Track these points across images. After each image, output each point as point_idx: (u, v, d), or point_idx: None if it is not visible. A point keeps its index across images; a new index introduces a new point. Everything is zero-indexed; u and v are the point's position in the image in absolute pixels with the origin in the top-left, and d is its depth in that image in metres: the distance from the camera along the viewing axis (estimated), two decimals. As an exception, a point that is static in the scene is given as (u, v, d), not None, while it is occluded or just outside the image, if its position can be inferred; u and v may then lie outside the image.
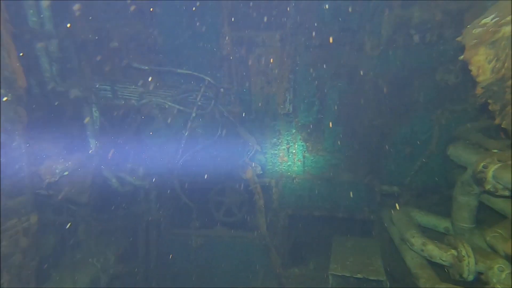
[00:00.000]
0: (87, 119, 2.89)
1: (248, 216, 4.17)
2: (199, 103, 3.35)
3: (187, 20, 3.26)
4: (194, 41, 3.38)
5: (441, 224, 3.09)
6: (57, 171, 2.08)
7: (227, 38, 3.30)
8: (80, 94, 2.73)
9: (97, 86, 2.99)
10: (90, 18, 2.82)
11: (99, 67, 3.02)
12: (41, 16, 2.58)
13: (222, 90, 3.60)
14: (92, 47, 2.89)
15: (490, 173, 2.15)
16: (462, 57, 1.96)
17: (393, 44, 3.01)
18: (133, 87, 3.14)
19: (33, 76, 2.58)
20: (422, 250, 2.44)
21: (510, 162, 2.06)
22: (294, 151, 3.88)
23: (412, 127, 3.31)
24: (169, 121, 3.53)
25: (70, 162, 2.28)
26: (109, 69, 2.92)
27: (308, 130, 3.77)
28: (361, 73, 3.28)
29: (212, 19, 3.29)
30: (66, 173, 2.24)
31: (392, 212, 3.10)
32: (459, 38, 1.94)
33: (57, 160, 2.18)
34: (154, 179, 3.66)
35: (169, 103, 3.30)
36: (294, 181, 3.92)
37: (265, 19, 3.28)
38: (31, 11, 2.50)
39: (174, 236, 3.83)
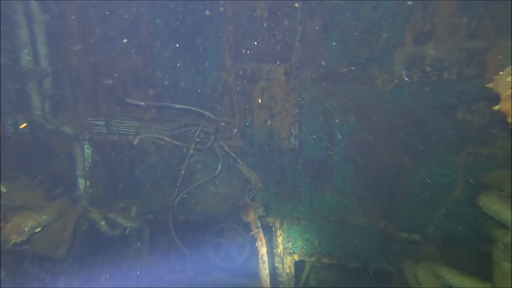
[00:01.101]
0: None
1: (250, 260, 3.77)
2: (197, 139, 3.13)
3: (188, 53, 3.15)
4: (194, 74, 3.25)
5: (478, 288, 2.61)
6: (26, 229, 1.82)
7: (228, 71, 3.15)
8: (71, 131, 2.56)
9: (91, 121, 2.82)
10: (88, 53, 2.73)
11: (94, 102, 2.88)
12: (37, 54, 2.48)
13: (222, 124, 3.39)
14: (88, 82, 2.77)
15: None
16: (497, 107, 1.70)
17: (408, 80, 2.78)
18: (129, 122, 2.96)
19: (23, 115, 2.44)
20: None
21: None
22: (300, 189, 3.55)
23: (430, 168, 2.96)
24: (165, 157, 3.30)
25: (44, 216, 2.03)
26: (104, 104, 2.77)
27: (316, 167, 3.47)
28: (372, 108, 3.03)
29: (214, 52, 3.17)
30: (38, 229, 1.98)
31: (417, 269, 2.66)
32: (490, 85, 1.69)
33: (30, 215, 1.93)
34: (146, 220, 3.36)
35: (166, 138, 3.09)
36: (301, 222, 3.55)
37: (269, 52, 3.14)
38: (26, 50, 2.41)
39: (167, 284, 3.43)
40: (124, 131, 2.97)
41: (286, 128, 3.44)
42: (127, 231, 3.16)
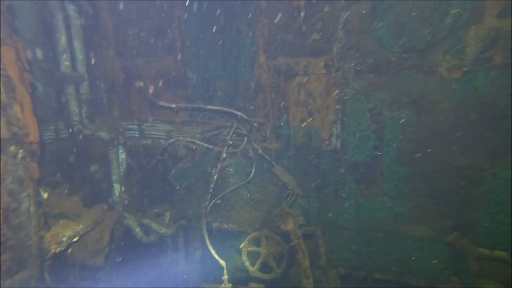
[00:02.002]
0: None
1: (289, 272, 3.47)
2: (230, 142, 2.93)
3: (219, 50, 2.98)
4: (226, 72, 3.06)
5: None
6: (64, 238, 1.76)
7: (262, 67, 2.91)
8: (107, 136, 2.52)
9: (124, 125, 2.78)
10: (120, 55, 2.68)
11: (127, 106, 2.83)
12: (74, 59, 2.48)
13: (256, 125, 3.16)
14: (121, 86, 2.73)
15: None
16: None
17: (485, 64, 2.28)
18: (161, 125, 2.87)
19: (62, 121, 2.47)
20: None
21: None
22: (343, 195, 3.17)
23: (518, 171, 2.41)
24: (198, 161, 3.15)
25: (81, 225, 1.97)
26: (137, 108, 2.70)
27: (362, 170, 3.07)
28: (433, 101, 2.56)
29: (247, 47, 2.96)
30: (76, 238, 1.92)
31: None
32: None
33: (67, 224, 1.87)
34: (180, 226, 3.24)
35: (198, 142, 2.94)
36: (345, 232, 3.17)
37: (307, 44, 2.84)
38: (65, 56, 2.41)
39: (202, 294, 3.28)
40: (156, 135, 2.89)
41: (327, 127, 3.09)
42: (161, 237, 3.06)
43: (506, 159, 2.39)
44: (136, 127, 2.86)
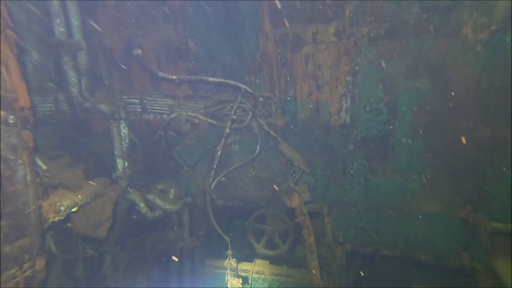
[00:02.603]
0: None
1: (295, 249, 3.46)
2: (234, 117, 2.81)
3: (222, 19, 2.78)
4: (229, 43, 2.89)
5: None
6: (62, 208, 1.73)
7: (267, 36, 2.72)
8: (108, 110, 2.43)
9: (126, 99, 2.68)
10: (119, 24, 2.53)
11: (128, 79, 2.71)
12: (70, 26, 2.33)
13: (261, 99, 3.02)
14: (121, 57, 2.59)
15: None
16: None
17: (514, 23, 2.06)
18: (163, 99, 2.76)
19: (61, 92, 2.37)
20: None
21: None
22: (352, 171, 3.07)
23: (541, 141, 2.25)
24: (202, 137, 3.07)
25: (80, 196, 1.93)
26: (138, 81, 2.58)
27: (371, 145, 2.93)
28: (454, 68, 2.36)
29: (251, 14, 2.75)
30: (75, 209, 1.89)
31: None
32: None
33: (65, 194, 1.83)
34: (185, 203, 3.22)
35: (201, 117, 2.83)
36: (353, 209, 3.10)
37: (316, 9, 2.62)
38: (58, 20, 2.26)
39: (208, 269, 3.30)
40: (158, 109, 2.79)
41: (336, 100, 2.93)
42: (166, 213, 3.05)
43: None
44: (137, 101, 2.76)
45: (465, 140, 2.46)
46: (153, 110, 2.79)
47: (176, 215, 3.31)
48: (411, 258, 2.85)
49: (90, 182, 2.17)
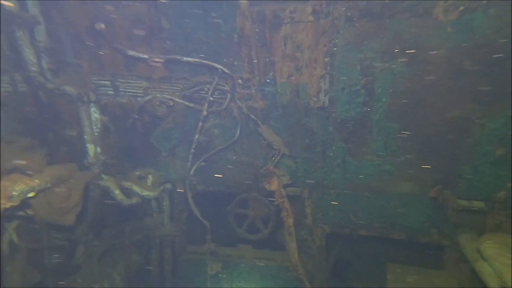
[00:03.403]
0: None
1: (277, 233, 3.50)
2: (211, 99, 2.75)
3: (197, -4, 2.66)
4: (206, 22, 2.78)
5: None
6: (14, 193, 1.62)
7: (245, 14, 2.63)
8: (74, 92, 2.30)
9: (96, 81, 2.54)
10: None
11: (98, 59, 2.57)
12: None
13: (240, 81, 2.96)
14: (89, 35, 2.44)
15: None
16: None
17: (484, 1, 2.07)
18: (137, 81, 2.64)
19: (17, 71, 2.21)
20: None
21: None
22: (331, 154, 3.09)
23: (508, 119, 2.32)
24: (180, 121, 2.98)
25: (37, 180, 1.82)
26: (109, 62, 2.45)
27: (350, 128, 2.95)
28: (427, 48, 2.38)
29: (227, -8, 2.65)
30: (31, 194, 1.79)
31: (481, 242, 2.17)
32: None
33: (19, 178, 1.73)
34: (164, 190, 3.16)
35: (177, 99, 2.74)
36: (332, 191, 3.14)
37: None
38: (9, -9, 2.08)
39: (190, 255, 3.29)
40: (132, 92, 2.67)
41: (315, 82, 2.91)
42: (145, 200, 2.98)
43: (495, 109, 2.29)
44: (109, 83, 2.62)
45: (437, 121, 2.51)
46: (127, 93, 2.67)
47: (156, 202, 3.25)
48: (386, 237, 2.93)
49: (53, 167, 2.06)
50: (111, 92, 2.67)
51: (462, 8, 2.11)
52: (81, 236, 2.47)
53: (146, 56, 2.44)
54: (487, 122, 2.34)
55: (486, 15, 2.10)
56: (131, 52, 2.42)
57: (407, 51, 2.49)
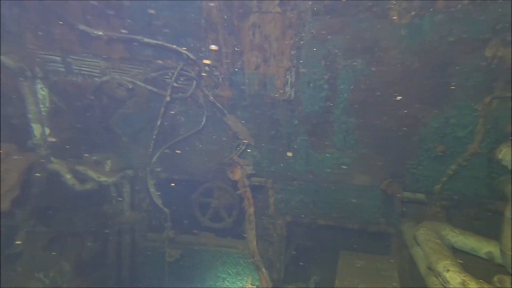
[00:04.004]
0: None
1: (240, 222, 3.55)
2: (175, 84, 2.67)
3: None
4: (171, 4, 2.67)
5: (483, 248, 2.37)
6: None
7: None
8: (14, 64, 2.10)
9: (44, 55, 2.34)
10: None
11: (47, 32, 2.36)
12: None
13: (207, 68, 2.90)
14: (33, 5, 2.23)
15: None
16: None
17: (430, 8, 2.22)
18: (93, 60, 2.48)
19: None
20: (465, 293, 1.74)
21: None
22: (295, 146, 3.18)
23: (448, 119, 2.54)
24: (142, 105, 2.88)
25: None
26: (60, 36, 2.26)
27: (314, 121, 3.05)
28: (385, 48, 2.50)
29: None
30: None
31: (417, 229, 2.38)
32: None
33: None
34: (125, 176, 3.05)
35: (138, 82, 2.63)
36: (295, 182, 3.25)
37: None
38: None
39: (149, 243, 3.24)
40: (87, 71, 2.51)
41: (281, 75, 2.95)
42: (103, 186, 2.87)
43: (437, 109, 2.50)
44: (59, 59, 2.43)
45: (389, 118, 2.68)
46: (81, 72, 2.50)
47: (115, 188, 3.14)
48: (342, 226, 3.11)
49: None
50: (62, 69, 2.48)
51: (413, 12, 2.24)
52: (21, 222, 2.31)
53: (100, 33, 2.29)
54: (430, 121, 2.55)
55: (433, 22, 2.26)
56: (82, 27, 2.26)
57: (366, 50, 2.60)
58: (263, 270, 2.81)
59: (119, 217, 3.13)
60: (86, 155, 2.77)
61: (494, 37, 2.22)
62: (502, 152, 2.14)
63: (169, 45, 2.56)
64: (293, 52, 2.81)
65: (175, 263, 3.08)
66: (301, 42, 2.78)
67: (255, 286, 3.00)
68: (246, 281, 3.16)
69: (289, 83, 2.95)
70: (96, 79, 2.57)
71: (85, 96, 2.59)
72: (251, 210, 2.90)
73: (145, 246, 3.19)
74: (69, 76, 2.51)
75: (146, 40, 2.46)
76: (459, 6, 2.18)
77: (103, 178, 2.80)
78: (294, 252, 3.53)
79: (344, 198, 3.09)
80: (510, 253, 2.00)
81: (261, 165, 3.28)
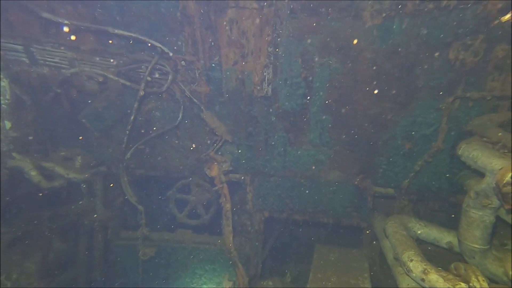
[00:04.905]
0: None
1: (217, 218, 3.55)
2: (149, 79, 2.60)
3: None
4: (145, -5, 2.58)
5: (444, 238, 2.54)
6: None
7: (187, -8, 2.52)
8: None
9: (3, 44, 2.19)
10: None
11: (4, 18, 2.20)
12: None
13: (183, 63, 2.85)
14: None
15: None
16: (507, 16, 1.30)
17: (400, 11, 2.31)
18: (59, 50, 2.35)
19: None
20: (423, 280, 1.86)
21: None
22: (273, 143, 3.21)
23: (415, 118, 2.68)
24: (114, 100, 2.77)
25: None
26: (21, 23, 2.12)
27: (291, 119, 3.10)
28: (358, 48, 2.58)
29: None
30: None
31: (386, 222, 2.51)
32: (507, 17, 1.28)
33: None
34: (98, 172, 2.94)
35: (111, 76, 2.54)
36: (272, 178, 3.29)
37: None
38: None
39: (123, 241, 3.15)
40: (54, 62, 2.37)
41: (259, 71, 2.96)
42: (73, 183, 2.75)
43: (405, 108, 2.62)
44: (21, 48, 2.28)
45: (362, 116, 2.78)
46: (47, 62, 2.36)
47: (86, 185, 3.01)
48: (317, 221, 3.20)
49: None
50: (25, 59, 2.33)
51: (384, 14, 2.33)
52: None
53: (66, 22, 2.17)
54: (399, 119, 2.67)
55: (402, 25, 2.36)
56: (45, 15, 2.13)
57: (341, 49, 2.67)
58: (239, 265, 2.84)
59: (91, 215, 3.02)
60: (55, 151, 2.63)
61: (456, 41, 2.36)
62: (461, 148, 2.29)
63: (142, 37, 2.48)
64: (270, 49, 2.83)
65: (149, 261, 3.02)
66: (279, 40, 2.81)
67: (232, 282, 3.02)
68: (223, 277, 3.17)
69: (266, 80, 2.96)
70: (64, 70, 2.44)
71: (51, 88, 2.45)
72: (228, 206, 2.90)
73: (119, 244, 3.10)
74: (33, 67, 2.36)
75: (117, 31, 2.36)
76: (425, 10, 2.29)
77: (72, 175, 2.68)
78: (272, 247, 3.58)
79: (319, 194, 3.18)
80: (466, 242, 2.16)
81: (239, 161, 3.29)
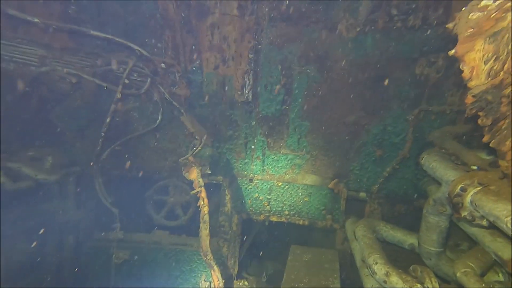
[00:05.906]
0: None
1: (195, 219, 3.56)
2: (126, 81, 2.56)
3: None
4: (123, -6, 2.53)
5: (407, 240, 2.74)
6: None
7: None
8: None
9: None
10: None
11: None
12: None
13: (163, 65, 2.82)
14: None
15: (468, 198, 1.73)
16: (452, 51, 1.44)
17: (372, 26, 2.45)
18: (28, 47, 2.25)
19: None
20: (385, 282, 2.01)
21: (492, 187, 1.64)
22: (252, 146, 3.28)
23: (385, 127, 2.85)
24: (89, 100, 2.70)
25: None
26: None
27: (270, 123, 3.17)
28: (334, 58, 2.70)
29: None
30: None
31: (357, 225, 2.66)
32: (450, 25, 1.41)
33: None
34: (70, 173, 2.85)
35: (85, 76, 2.46)
36: (251, 182, 3.36)
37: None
38: None
39: (96, 242, 3.09)
40: (22, 59, 2.26)
41: (240, 76, 3.00)
42: (42, 184, 2.64)
43: (376, 117, 2.79)
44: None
45: (338, 124, 2.91)
46: (14, 59, 2.25)
47: (58, 186, 2.91)
48: (293, 223, 3.31)
49: None
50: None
51: (358, 29, 2.45)
52: None
53: (36, 20, 2.08)
54: (371, 127, 2.84)
55: (374, 39, 2.50)
56: (12, 11, 2.03)
57: (318, 59, 2.77)
58: (215, 268, 2.88)
59: (61, 217, 2.92)
60: (22, 151, 2.51)
61: (421, 57, 2.54)
62: (423, 159, 2.47)
63: (118, 39, 2.43)
64: (251, 56, 2.88)
65: (123, 263, 2.99)
66: (259, 46, 2.86)
67: (208, 283, 3.06)
68: (200, 277, 3.21)
69: (247, 85, 3.01)
70: (33, 68, 2.34)
71: (17, 86, 2.33)
72: (205, 209, 2.92)
73: (91, 246, 3.04)
74: (-1, 64, 2.24)
75: (93, 32, 2.30)
76: (394, 27, 2.45)
77: (42, 176, 2.58)
78: (248, 249, 3.66)
79: (296, 197, 3.29)
80: (424, 245, 2.35)
81: (219, 164, 3.32)
